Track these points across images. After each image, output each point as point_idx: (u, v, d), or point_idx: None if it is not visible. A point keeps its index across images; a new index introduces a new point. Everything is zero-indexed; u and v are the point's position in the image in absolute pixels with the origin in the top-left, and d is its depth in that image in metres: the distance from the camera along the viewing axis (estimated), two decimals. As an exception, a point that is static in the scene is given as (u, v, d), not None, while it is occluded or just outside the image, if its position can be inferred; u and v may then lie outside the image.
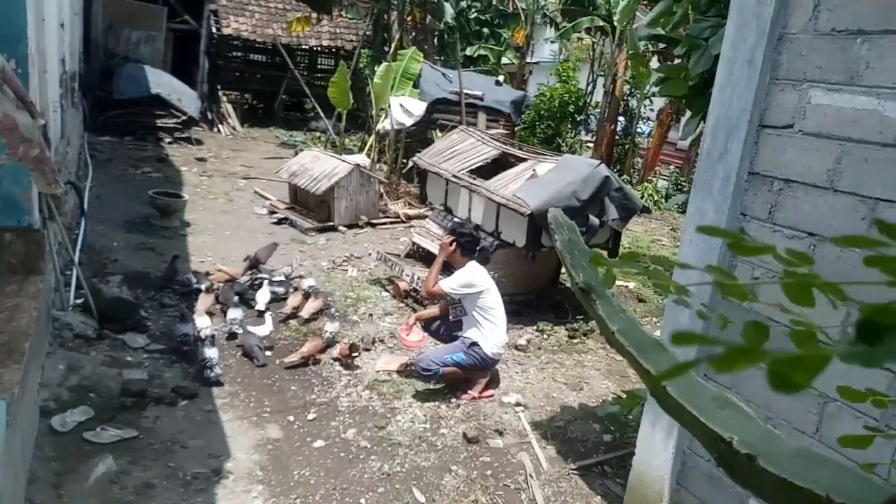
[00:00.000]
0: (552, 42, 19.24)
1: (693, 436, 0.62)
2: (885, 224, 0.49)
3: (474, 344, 4.55)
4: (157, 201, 7.37)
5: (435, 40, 15.39)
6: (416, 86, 11.36)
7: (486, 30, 17.25)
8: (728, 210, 2.74)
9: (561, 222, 1.19)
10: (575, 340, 5.76)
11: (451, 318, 4.98)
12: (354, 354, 4.71)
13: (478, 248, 4.98)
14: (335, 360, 4.74)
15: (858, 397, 0.65)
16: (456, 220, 6.40)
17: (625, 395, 4.77)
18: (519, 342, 5.46)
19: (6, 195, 3.42)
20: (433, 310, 5.35)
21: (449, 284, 4.69)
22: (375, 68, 11.02)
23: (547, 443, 4.13)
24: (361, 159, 9.63)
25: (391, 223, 9.01)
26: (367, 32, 14.89)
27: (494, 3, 17.82)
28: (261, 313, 5.31)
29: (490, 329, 4.60)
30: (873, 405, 0.72)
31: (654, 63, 14.48)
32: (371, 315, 5.68)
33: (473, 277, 4.67)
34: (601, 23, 14.63)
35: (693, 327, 2.87)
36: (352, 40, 16.95)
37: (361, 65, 13.99)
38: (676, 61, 7.66)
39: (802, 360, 0.39)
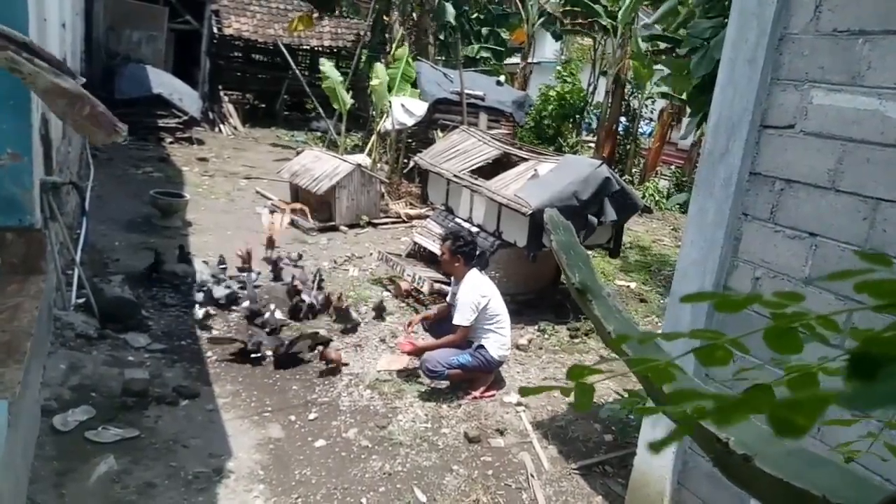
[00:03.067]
0: (549, 43, 19.26)
1: (690, 436, 0.62)
2: (867, 253, 0.48)
3: (480, 346, 4.54)
4: (158, 201, 7.38)
5: (436, 40, 15.38)
6: (415, 86, 11.38)
7: (485, 30, 17.24)
8: (729, 210, 2.74)
9: (557, 222, 1.19)
10: (576, 340, 5.75)
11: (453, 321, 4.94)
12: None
13: (477, 253, 4.81)
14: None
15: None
16: (455, 222, 6.40)
17: (626, 395, 4.77)
18: (520, 342, 5.46)
19: (7, 195, 3.42)
20: (431, 311, 5.15)
21: (466, 318, 4.48)
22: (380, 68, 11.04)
23: (548, 442, 4.13)
24: (363, 159, 9.64)
25: (392, 223, 9.01)
26: (368, 32, 14.89)
27: (487, 3, 17.75)
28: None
29: (495, 333, 4.58)
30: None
31: (657, 64, 14.47)
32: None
33: (480, 291, 4.55)
34: (603, 21, 14.61)
35: (694, 327, 2.86)
36: (353, 40, 16.95)
37: (362, 65, 13.99)
38: (678, 61, 7.63)
39: (802, 405, 0.39)
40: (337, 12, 16.65)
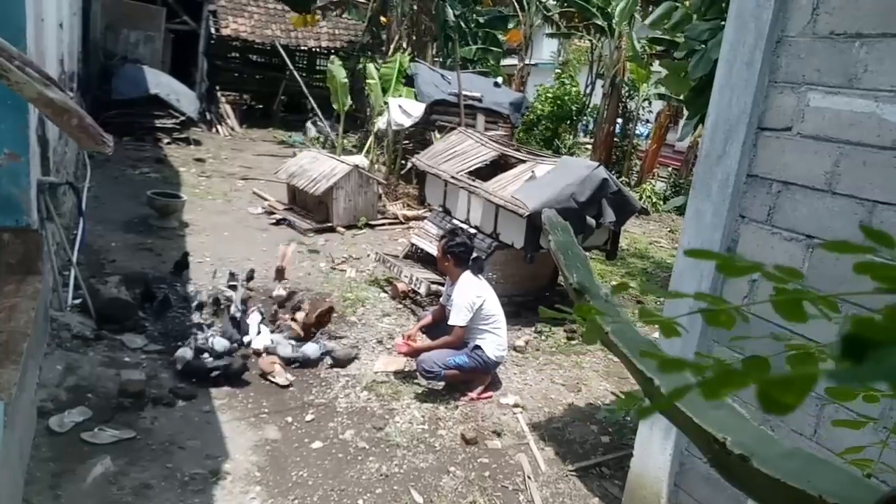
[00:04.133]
0: (547, 45, 19.32)
1: (687, 437, 0.62)
2: (870, 230, 0.48)
3: (476, 347, 4.55)
4: (155, 202, 7.37)
5: (434, 42, 15.38)
6: (410, 85, 11.40)
7: (482, 31, 17.26)
8: (727, 212, 2.75)
9: (555, 223, 1.19)
10: (573, 342, 5.76)
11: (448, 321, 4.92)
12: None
13: (471, 256, 4.81)
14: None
15: (848, 396, 0.65)
16: (453, 223, 6.40)
17: (623, 396, 4.77)
18: (517, 343, 5.46)
19: (5, 195, 3.42)
20: (427, 318, 5.08)
21: (462, 318, 4.49)
22: (374, 69, 11.06)
23: (545, 444, 4.13)
24: (360, 160, 9.64)
25: (390, 224, 9.01)
26: (366, 34, 14.91)
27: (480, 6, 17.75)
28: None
29: (492, 334, 4.59)
30: (864, 400, 0.72)
31: (654, 66, 14.50)
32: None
33: (474, 293, 4.56)
34: (599, 22, 14.64)
35: (692, 328, 2.87)
36: (351, 41, 16.95)
37: (360, 66, 14.00)
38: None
39: (792, 381, 0.39)
40: (337, 12, 16.62)
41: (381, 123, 10.51)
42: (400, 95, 10.79)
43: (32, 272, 3.51)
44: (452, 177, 6.56)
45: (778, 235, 2.58)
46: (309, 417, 4.04)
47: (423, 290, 5.83)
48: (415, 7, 13.63)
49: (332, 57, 11.57)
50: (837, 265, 2.34)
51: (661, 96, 14.01)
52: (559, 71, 17.32)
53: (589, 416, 4.53)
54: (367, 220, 8.70)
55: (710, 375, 0.43)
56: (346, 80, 10.81)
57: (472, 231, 6.08)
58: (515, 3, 17.18)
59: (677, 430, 3.00)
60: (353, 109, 11.68)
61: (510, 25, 18.04)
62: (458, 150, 7.12)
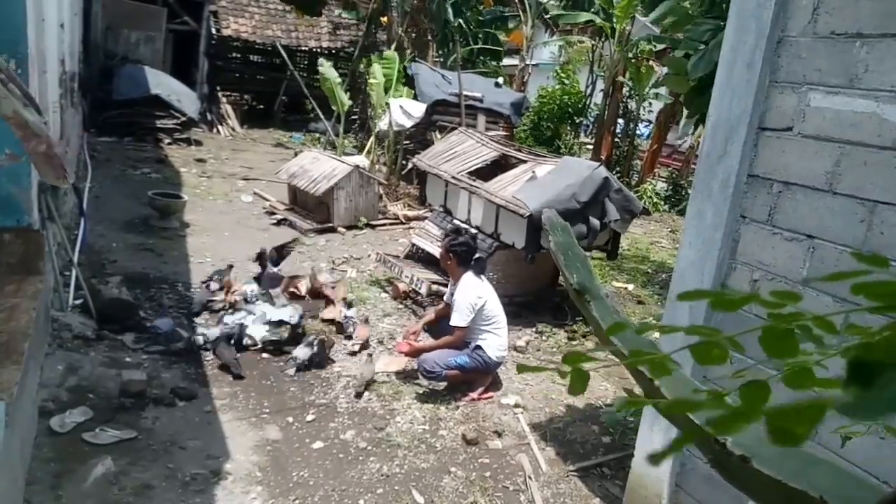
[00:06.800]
0: (548, 45, 19.32)
1: (690, 444, 0.62)
2: (863, 255, 0.48)
3: (478, 347, 4.55)
4: (156, 202, 7.37)
5: (435, 41, 15.39)
6: (411, 87, 11.41)
7: (482, 31, 17.26)
8: (727, 212, 2.74)
9: (555, 223, 1.19)
10: (574, 342, 5.75)
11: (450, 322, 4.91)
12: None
13: (474, 257, 4.80)
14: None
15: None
16: (454, 223, 6.40)
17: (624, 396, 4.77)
18: (518, 343, 5.46)
19: (5, 195, 3.42)
20: (430, 315, 5.10)
21: (463, 319, 4.49)
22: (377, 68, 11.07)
23: (546, 444, 4.13)
24: (361, 160, 9.64)
25: (390, 224, 9.01)
26: (369, 34, 14.91)
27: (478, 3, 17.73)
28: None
29: (493, 334, 4.59)
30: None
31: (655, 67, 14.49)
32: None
33: (475, 294, 4.55)
34: (599, 22, 14.60)
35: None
36: (351, 41, 16.95)
37: (361, 66, 13.99)
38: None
39: (801, 413, 0.39)
40: (336, 13, 16.63)
41: (382, 124, 10.51)
42: (400, 96, 10.80)
43: (33, 272, 3.51)
44: (453, 177, 6.56)
45: (779, 235, 2.58)
46: (310, 418, 4.04)
47: (423, 291, 5.83)
48: (414, 5, 13.63)
49: (320, 60, 11.52)
50: (838, 266, 2.34)
51: (656, 95, 14.07)
52: (558, 70, 17.30)
53: (590, 417, 4.53)
54: (368, 220, 8.70)
55: (720, 415, 0.43)
56: (339, 80, 10.83)
57: (474, 231, 6.08)
58: (517, 3, 17.16)
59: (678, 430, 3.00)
60: (352, 109, 11.68)
61: (511, 25, 18.04)
62: (459, 151, 7.12)
